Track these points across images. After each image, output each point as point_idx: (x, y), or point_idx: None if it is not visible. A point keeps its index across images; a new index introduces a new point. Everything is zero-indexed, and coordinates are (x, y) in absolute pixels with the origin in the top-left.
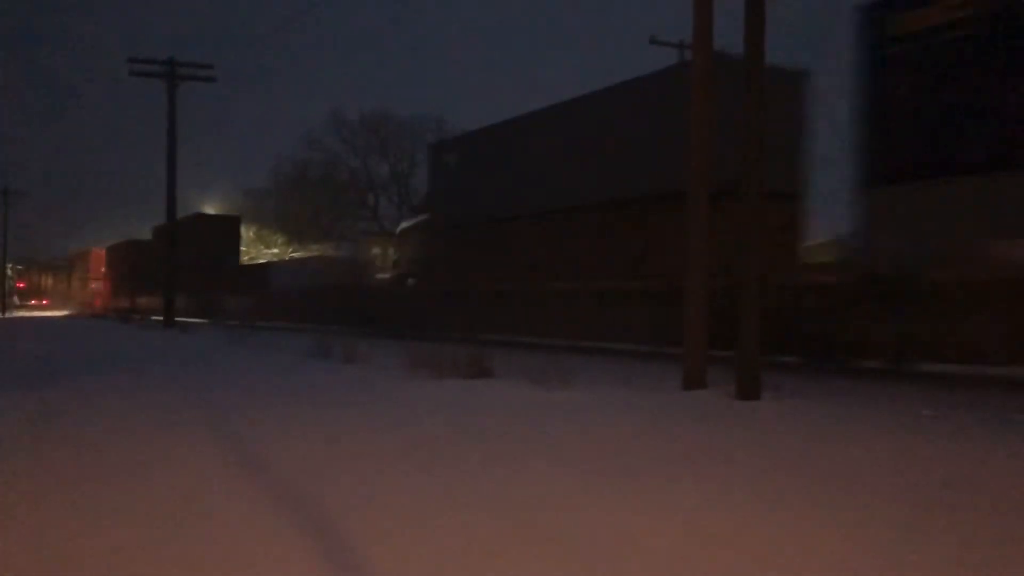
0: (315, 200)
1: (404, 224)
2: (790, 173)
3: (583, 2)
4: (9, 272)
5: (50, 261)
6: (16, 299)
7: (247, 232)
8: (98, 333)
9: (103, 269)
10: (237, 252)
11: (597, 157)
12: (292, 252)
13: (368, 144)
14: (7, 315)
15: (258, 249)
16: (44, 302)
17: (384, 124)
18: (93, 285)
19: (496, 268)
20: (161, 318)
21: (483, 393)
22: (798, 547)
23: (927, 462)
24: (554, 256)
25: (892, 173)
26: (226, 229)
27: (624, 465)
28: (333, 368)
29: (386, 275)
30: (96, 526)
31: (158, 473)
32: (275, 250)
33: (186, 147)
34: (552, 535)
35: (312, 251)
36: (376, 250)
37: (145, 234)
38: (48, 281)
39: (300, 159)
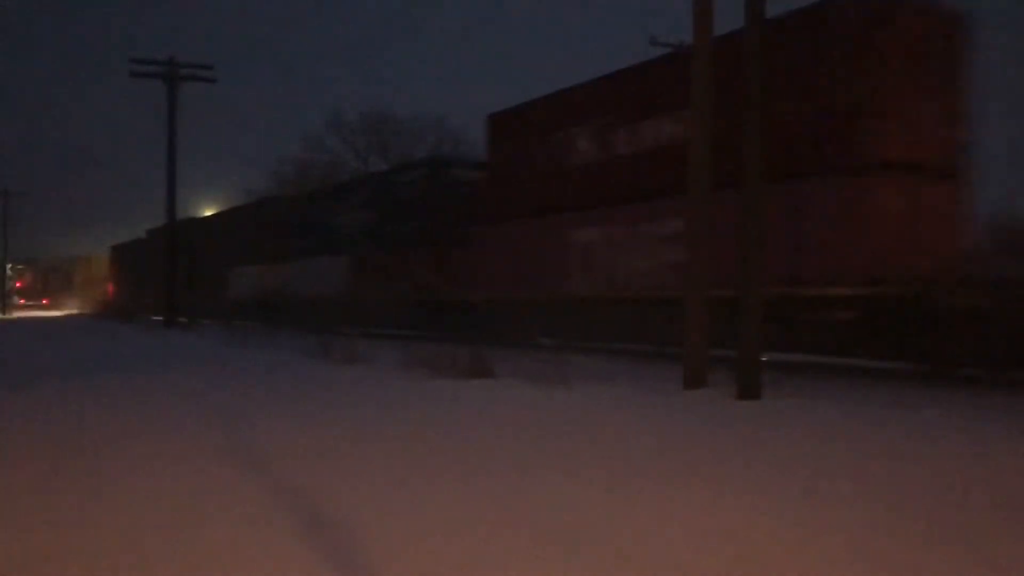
0: None
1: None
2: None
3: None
4: (9, 272)
5: (50, 261)
6: (17, 298)
7: None
8: (98, 333)
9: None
10: None
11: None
12: None
13: (369, 144)
14: (6, 315)
15: None
16: (44, 302)
17: (384, 124)
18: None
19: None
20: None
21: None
22: (801, 546)
23: (931, 460)
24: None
25: None
26: None
27: (625, 465)
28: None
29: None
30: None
31: None
32: None
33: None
34: (555, 533)
35: None
36: None
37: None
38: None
39: (301, 159)
